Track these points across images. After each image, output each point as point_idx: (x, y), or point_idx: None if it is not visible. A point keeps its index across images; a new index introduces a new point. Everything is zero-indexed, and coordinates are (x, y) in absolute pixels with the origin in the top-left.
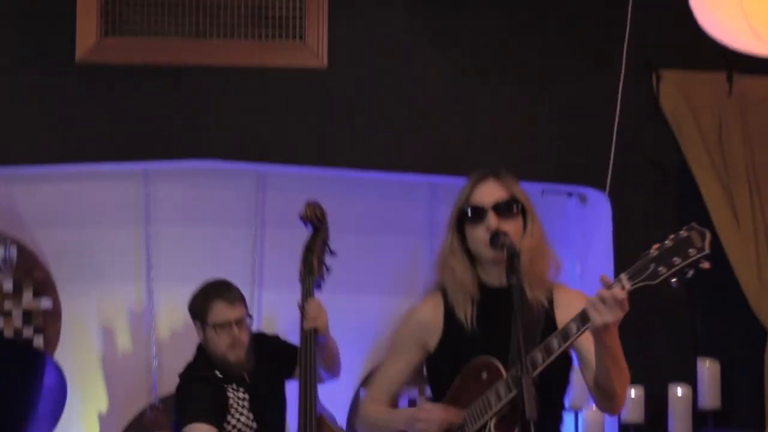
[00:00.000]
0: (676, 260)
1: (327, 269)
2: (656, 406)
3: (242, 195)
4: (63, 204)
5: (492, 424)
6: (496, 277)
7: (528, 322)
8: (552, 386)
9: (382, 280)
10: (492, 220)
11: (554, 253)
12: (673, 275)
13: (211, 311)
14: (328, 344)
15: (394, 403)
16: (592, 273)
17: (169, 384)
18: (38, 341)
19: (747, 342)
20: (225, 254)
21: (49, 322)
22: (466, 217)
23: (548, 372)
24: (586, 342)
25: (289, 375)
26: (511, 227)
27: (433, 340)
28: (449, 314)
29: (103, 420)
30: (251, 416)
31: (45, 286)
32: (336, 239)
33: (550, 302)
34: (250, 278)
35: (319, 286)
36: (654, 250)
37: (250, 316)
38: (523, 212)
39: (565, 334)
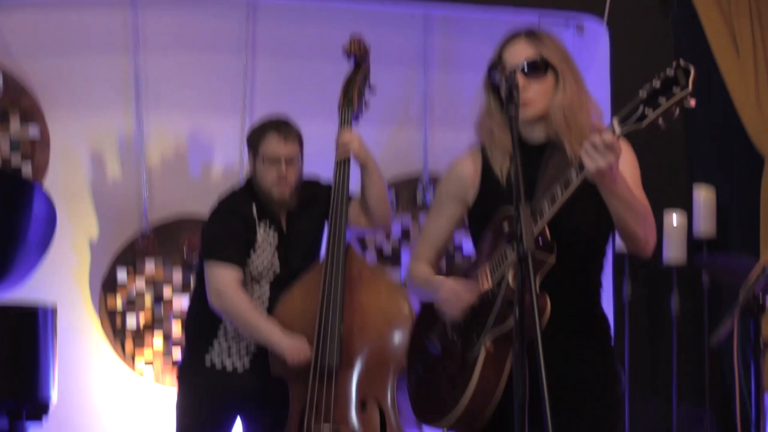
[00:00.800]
0: (661, 100)
1: (366, 104)
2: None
3: (232, 24)
4: (50, 32)
5: (510, 274)
6: (535, 134)
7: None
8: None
9: (377, 109)
10: (519, 80)
11: (594, 103)
12: (658, 116)
13: (263, 142)
14: (373, 178)
15: (439, 258)
16: None
17: (160, 211)
18: (26, 169)
19: (743, 169)
20: (215, 83)
21: (38, 150)
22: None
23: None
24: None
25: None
26: (541, 87)
27: (471, 194)
28: (487, 170)
29: (93, 247)
30: (276, 258)
31: (32, 114)
32: (327, 70)
33: None
34: (240, 106)
35: (357, 119)
36: (642, 91)
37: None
38: (556, 71)
39: (566, 182)
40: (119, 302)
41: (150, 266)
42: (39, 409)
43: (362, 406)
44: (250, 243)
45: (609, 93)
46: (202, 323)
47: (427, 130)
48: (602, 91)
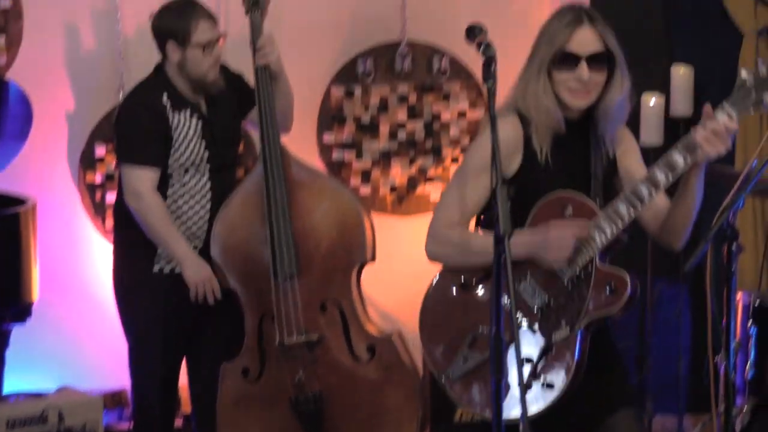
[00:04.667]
0: None
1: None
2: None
3: None
4: None
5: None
6: (575, 112)
7: (597, 160)
8: None
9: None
10: (584, 71)
11: (631, 101)
12: None
13: (196, 31)
14: (281, 86)
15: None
16: None
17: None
18: (0, 41)
19: (721, 47)
20: None
21: (11, 22)
22: (557, 60)
23: None
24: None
25: (244, 116)
26: (600, 78)
27: (513, 164)
28: (528, 140)
29: (71, 119)
30: (203, 144)
31: None
32: None
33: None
34: None
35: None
36: (749, 76)
37: None
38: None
39: (671, 165)
40: (98, 177)
41: None
42: (22, 312)
43: (322, 309)
44: (166, 137)
45: None
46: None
47: None
48: None
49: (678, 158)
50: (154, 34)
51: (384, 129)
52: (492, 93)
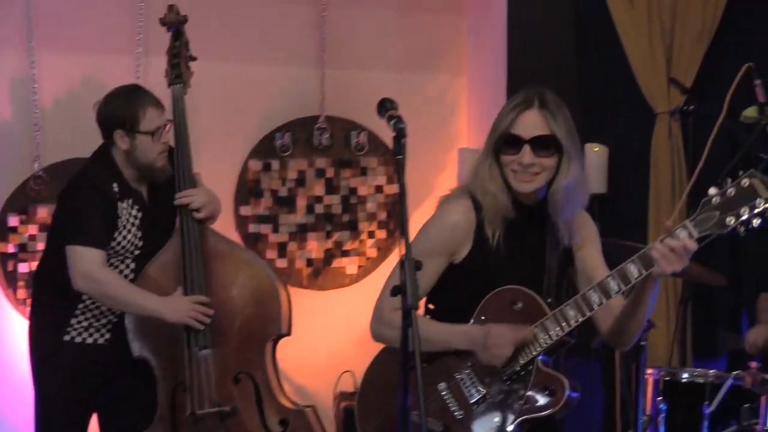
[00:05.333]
0: (743, 211)
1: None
2: None
3: None
4: None
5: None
6: (530, 198)
7: (552, 248)
8: None
9: (274, 50)
10: (526, 154)
11: (588, 188)
12: (740, 224)
13: (144, 118)
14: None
15: None
16: None
17: (54, 153)
18: None
19: (636, 126)
20: (109, 22)
21: None
22: (501, 143)
23: None
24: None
25: None
26: (547, 163)
27: (463, 249)
28: (480, 226)
29: None
30: (139, 234)
31: None
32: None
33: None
34: (134, 47)
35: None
36: (715, 196)
37: None
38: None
39: (624, 277)
40: (11, 247)
41: (43, 211)
42: None
43: (236, 380)
44: (113, 224)
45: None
46: (62, 298)
47: (325, 71)
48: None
49: (633, 270)
50: (99, 121)
51: (301, 202)
52: (401, 166)
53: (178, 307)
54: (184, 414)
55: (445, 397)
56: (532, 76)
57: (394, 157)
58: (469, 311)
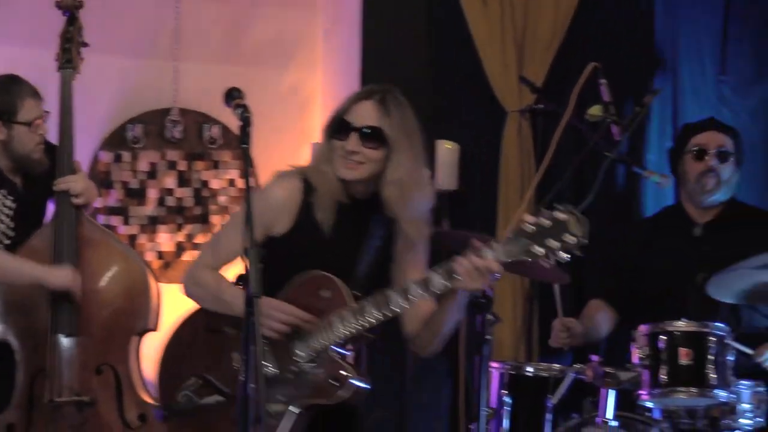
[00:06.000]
0: (554, 244)
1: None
2: None
3: None
4: None
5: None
6: (360, 188)
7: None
8: None
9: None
10: (351, 141)
11: (430, 188)
12: (547, 257)
13: (22, 109)
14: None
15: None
16: None
17: None
18: None
19: (487, 124)
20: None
21: None
22: (333, 128)
23: None
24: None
25: None
26: (371, 154)
27: (280, 225)
28: (307, 207)
29: None
30: (12, 225)
31: None
32: None
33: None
34: None
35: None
36: (529, 225)
37: None
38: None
39: (426, 286)
40: None
41: None
42: None
43: (98, 371)
44: None
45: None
46: None
47: (177, 63)
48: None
49: (436, 280)
50: None
51: (152, 195)
52: (247, 155)
53: (62, 275)
54: (42, 402)
55: (237, 368)
56: (386, 73)
57: (240, 145)
58: (280, 287)
